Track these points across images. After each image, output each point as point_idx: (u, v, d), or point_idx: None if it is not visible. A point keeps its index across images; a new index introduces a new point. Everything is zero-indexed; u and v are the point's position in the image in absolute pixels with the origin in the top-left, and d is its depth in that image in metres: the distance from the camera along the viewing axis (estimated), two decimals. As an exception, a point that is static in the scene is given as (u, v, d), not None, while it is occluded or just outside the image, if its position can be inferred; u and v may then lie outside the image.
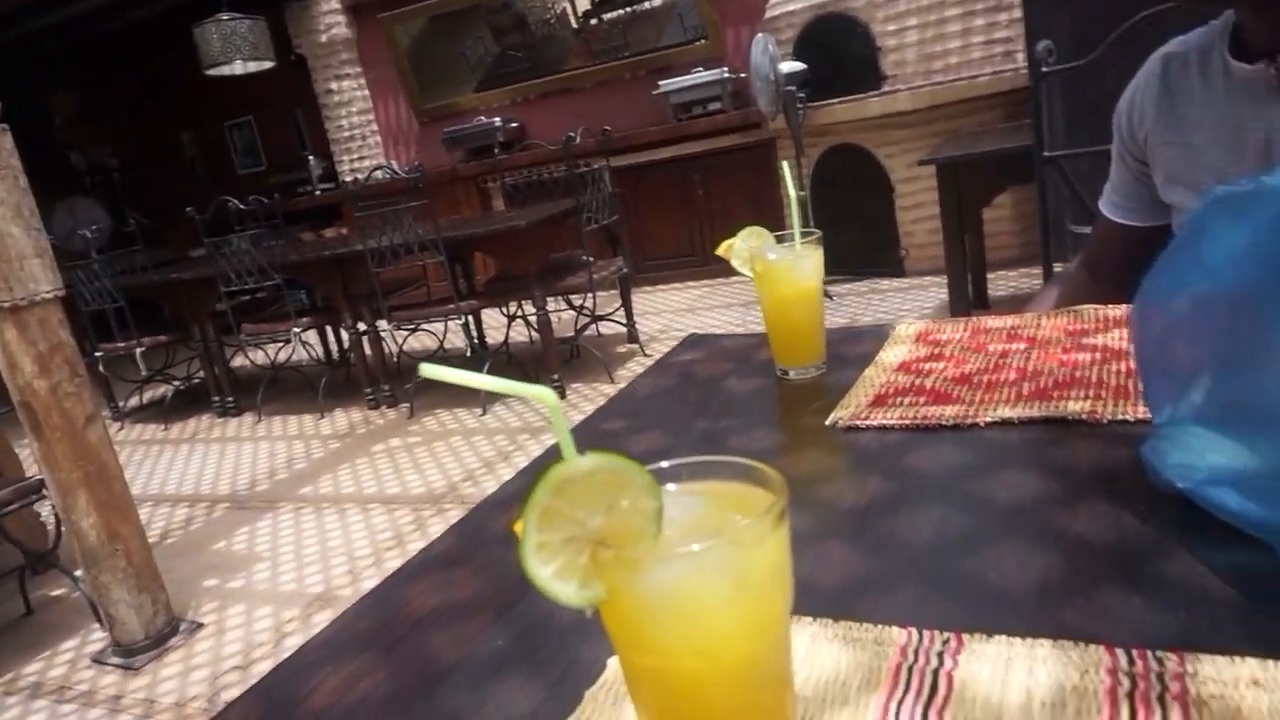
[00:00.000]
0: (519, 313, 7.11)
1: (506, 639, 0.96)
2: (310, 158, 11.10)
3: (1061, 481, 1.08)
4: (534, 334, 6.66)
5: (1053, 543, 0.95)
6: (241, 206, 6.40)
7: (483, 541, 1.24)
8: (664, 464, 0.62)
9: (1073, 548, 0.94)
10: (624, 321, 6.79)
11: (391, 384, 6.57)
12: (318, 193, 10.92)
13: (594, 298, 6.71)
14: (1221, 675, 0.71)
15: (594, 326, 7.15)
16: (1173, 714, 0.68)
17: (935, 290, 6.79)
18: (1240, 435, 0.88)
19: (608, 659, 0.87)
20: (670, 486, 0.60)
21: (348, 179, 10.28)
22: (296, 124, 11.47)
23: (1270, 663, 0.71)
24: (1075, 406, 1.25)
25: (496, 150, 9.38)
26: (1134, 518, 0.97)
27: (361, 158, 10.83)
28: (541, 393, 0.57)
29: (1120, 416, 1.21)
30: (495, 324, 7.71)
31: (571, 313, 7.22)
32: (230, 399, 7.28)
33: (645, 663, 0.56)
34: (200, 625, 3.97)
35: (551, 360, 6.16)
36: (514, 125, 9.66)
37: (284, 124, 11.57)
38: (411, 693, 0.90)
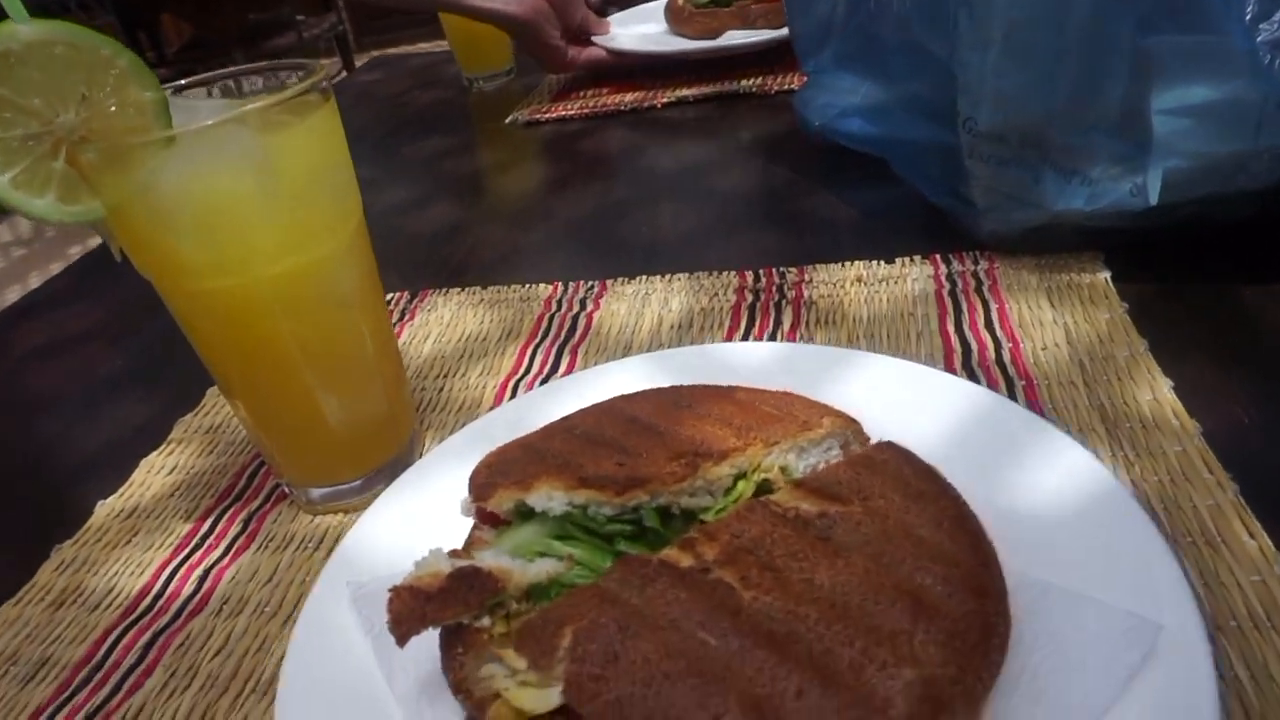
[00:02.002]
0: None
1: (128, 360, 0.85)
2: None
3: (724, 148, 1.08)
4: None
5: (705, 199, 0.95)
6: None
7: (110, 271, 1.08)
8: (182, 81, 0.51)
9: (723, 201, 0.94)
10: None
11: None
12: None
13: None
14: (831, 278, 0.74)
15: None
16: (786, 315, 0.70)
17: None
18: (869, 71, 0.89)
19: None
20: (189, 101, 0.49)
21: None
22: None
23: (872, 263, 0.74)
24: (748, 82, 1.24)
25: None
26: (784, 169, 0.98)
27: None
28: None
29: (788, 87, 1.21)
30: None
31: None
32: None
33: (179, 289, 0.47)
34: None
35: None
36: None
37: None
38: (5, 425, 0.78)
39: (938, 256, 0.74)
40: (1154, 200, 0.63)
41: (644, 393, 0.51)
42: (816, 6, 0.94)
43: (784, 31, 1.25)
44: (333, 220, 0.50)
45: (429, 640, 0.39)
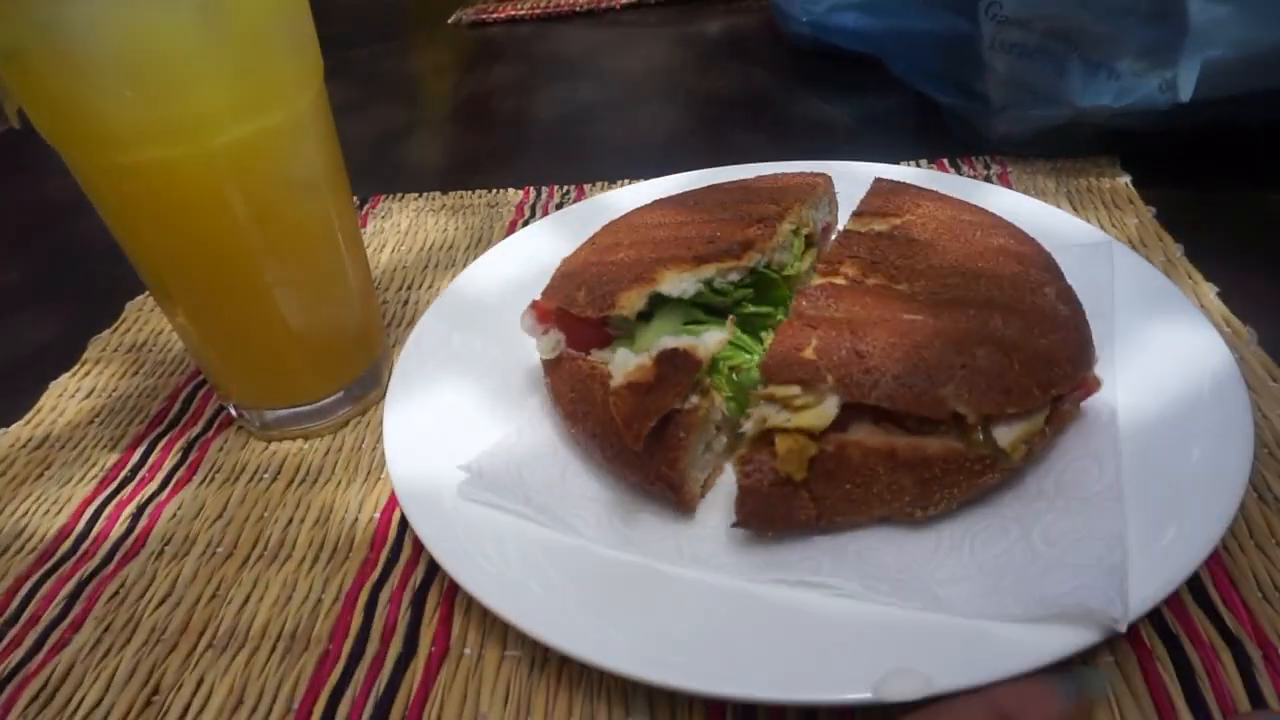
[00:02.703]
0: None
1: (23, 272, 0.73)
2: None
3: (695, 51, 1.00)
4: None
5: (684, 101, 0.87)
6: None
7: None
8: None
9: (704, 102, 0.86)
10: None
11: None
12: None
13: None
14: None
15: None
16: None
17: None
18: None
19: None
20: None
21: None
22: None
23: (876, 165, 0.68)
24: (712, -16, 1.15)
25: None
26: (764, 71, 0.91)
27: None
28: None
29: (756, -9, 1.13)
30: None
31: None
32: None
33: (101, 164, 0.37)
34: None
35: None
36: None
37: None
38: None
39: (944, 161, 0.69)
40: (1185, 96, 0.58)
41: (662, 200, 0.53)
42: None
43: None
44: (294, 77, 0.41)
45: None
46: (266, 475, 0.48)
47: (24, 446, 0.53)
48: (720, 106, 0.85)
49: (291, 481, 0.48)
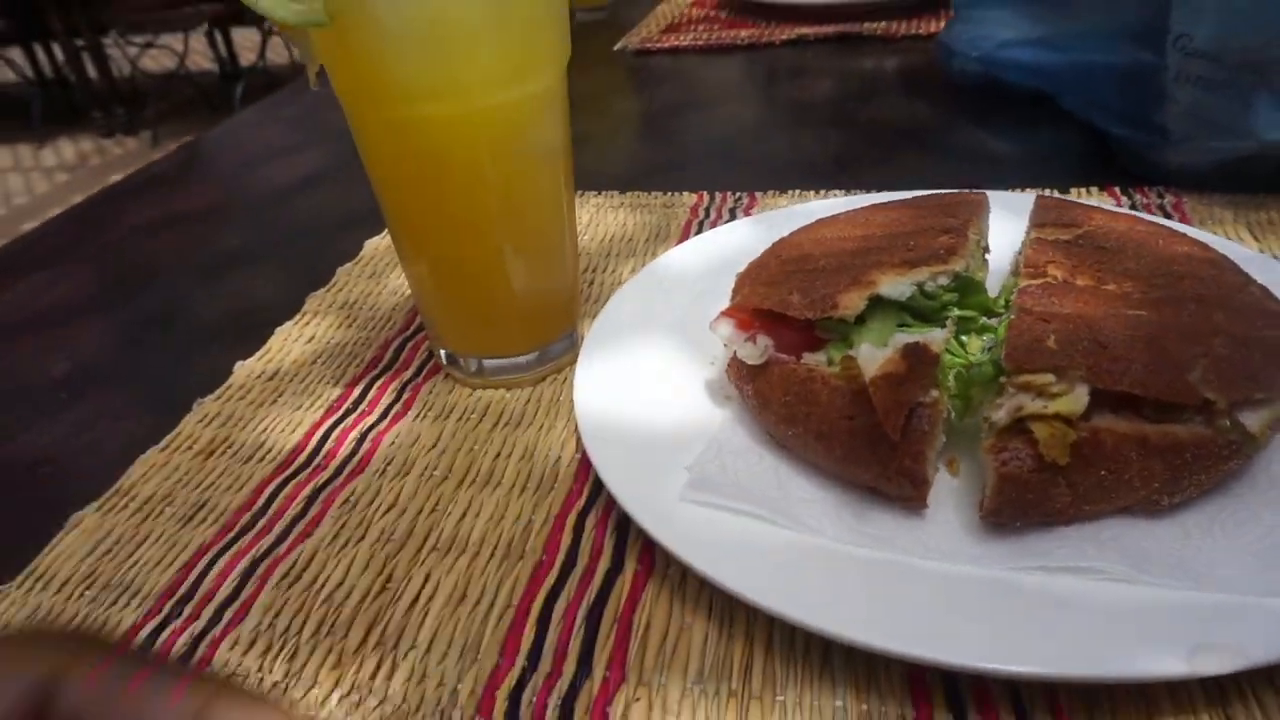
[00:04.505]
0: (275, 26, 6.16)
1: (244, 240, 0.82)
2: None
3: (857, 82, 1.03)
4: (296, 50, 5.90)
5: (848, 126, 0.91)
6: None
7: (218, 159, 1.05)
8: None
9: (868, 128, 0.90)
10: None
11: (127, 108, 5.65)
12: None
13: None
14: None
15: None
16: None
17: None
18: (1028, 9, 0.85)
19: (365, 241, 0.76)
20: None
21: None
22: None
23: (1047, 191, 0.70)
24: (871, 25, 1.19)
25: None
26: (927, 104, 0.94)
27: None
28: None
29: (914, 32, 1.16)
30: (249, 43, 6.73)
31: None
32: (-86, 127, 6.03)
33: (384, 118, 0.43)
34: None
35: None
36: None
37: None
38: (117, 292, 0.75)
39: (1116, 189, 0.70)
40: (1380, 134, 0.58)
41: (837, 215, 0.55)
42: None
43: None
44: (553, 51, 0.47)
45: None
46: (474, 416, 0.53)
47: (259, 377, 0.59)
48: (884, 133, 0.88)
49: (497, 423, 0.52)
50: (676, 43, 1.23)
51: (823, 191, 0.74)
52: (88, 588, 0.44)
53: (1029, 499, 0.37)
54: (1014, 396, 0.37)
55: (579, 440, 0.50)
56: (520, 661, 0.38)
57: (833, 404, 0.40)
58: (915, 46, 1.13)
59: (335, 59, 0.45)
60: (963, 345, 0.44)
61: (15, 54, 6.04)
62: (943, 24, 1.14)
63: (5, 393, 0.62)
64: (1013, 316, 0.40)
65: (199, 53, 6.45)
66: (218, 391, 0.58)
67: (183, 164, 1.05)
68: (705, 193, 0.77)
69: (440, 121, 0.44)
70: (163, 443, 0.54)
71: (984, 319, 0.46)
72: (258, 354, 0.62)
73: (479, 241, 0.49)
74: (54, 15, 5.39)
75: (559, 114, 0.49)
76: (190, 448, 0.53)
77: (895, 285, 0.43)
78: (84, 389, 0.62)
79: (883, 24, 1.20)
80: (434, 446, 0.51)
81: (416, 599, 0.41)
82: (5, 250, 0.85)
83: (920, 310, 0.44)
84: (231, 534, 0.46)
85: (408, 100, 0.44)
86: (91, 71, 5.67)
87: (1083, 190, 0.70)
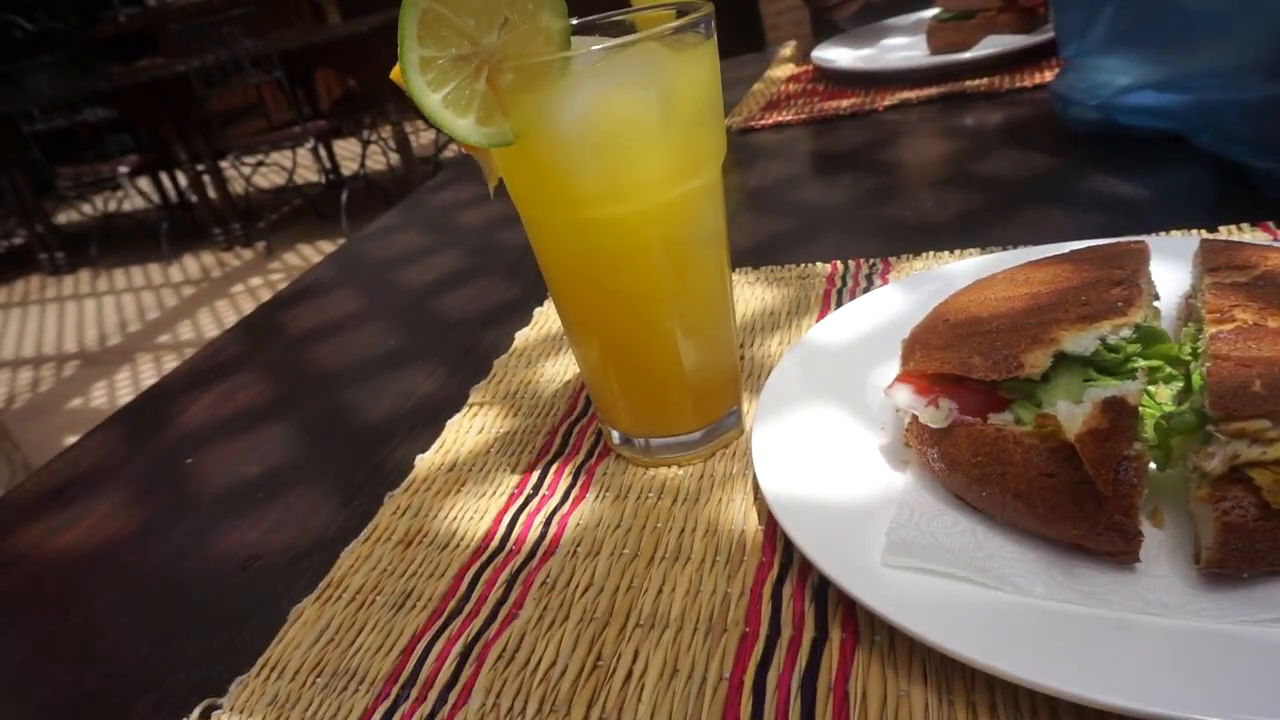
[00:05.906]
0: (373, 136, 6.59)
1: (400, 339, 0.87)
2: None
3: (968, 140, 1.05)
4: (392, 156, 6.25)
5: (967, 184, 0.92)
6: (28, 26, 5.55)
7: (363, 264, 1.13)
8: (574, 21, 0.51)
9: (987, 185, 0.91)
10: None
11: (243, 222, 6.09)
12: (122, 18, 9.61)
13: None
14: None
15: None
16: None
17: None
18: (1146, 53, 0.85)
19: (516, 333, 0.80)
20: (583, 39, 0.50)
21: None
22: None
23: (1191, 232, 0.69)
24: (973, 83, 1.21)
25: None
26: (1044, 155, 0.95)
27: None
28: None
29: (1018, 85, 1.17)
30: (349, 153, 7.18)
31: (432, 131, 6.77)
32: (60, 254, 6.60)
33: (563, 220, 0.47)
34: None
35: (415, 182, 5.80)
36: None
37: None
38: (295, 396, 0.81)
39: (1270, 224, 0.69)
40: None
41: (995, 275, 0.55)
42: (1082, -11, 0.91)
43: (1030, 38, 1.25)
44: (713, 149, 0.50)
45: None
46: (651, 494, 0.55)
47: (440, 469, 0.63)
48: (1005, 188, 0.89)
49: (675, 500, 0.54)
50: (780, 118, 1.27)
51: (957, 252, 0.75)
52: (318, 675, 0.48)
53: (1258, 548, 0.36)
54: (1227, 444, 0.37)
55: (760, 512, 0.51)
56: (743, 733, 0.39)
57: (1029, 463, 0.41)
58: (1020, 99, 1.13)
59: (517, 171, 0.49)
60: (1152, 396, 0.44)
61: (144, 183, 6.59)
62: (1047, 75, 1.15)
63: (212, 496, 0.68)
64: (1209, 364, 0.40)
65: (305, 166, 6.90)
66: (404, 484, 0.62)
67: (331, 271, 1.13)
68: (839, 261, 0.79)
69: (617, 220, 0.48)
70: (363, 535, 0.58)
71: (1169, 368, 0.45)
72: (434, 447, 0.66)
73: (653, 325, 0.52)
74: (178, 145, 5.87)
75: (718, 202, 0.52)
76: (389, 539, 0.57)
77: (1079, 341, 0.43)
78: (278, 488, 0.67)
79: (985, 80, 1.21)
80: (618, 526, 0.53)
81: (629, 675, 0.43)
82: (191, 363, 0.93)
83: (1104, 364, 0.44)
84: (442, 619, 0.49)
85: (586, 204, 0.47)
86: (211, 192, 6.13)
87: (1233, 228, 0.69)
